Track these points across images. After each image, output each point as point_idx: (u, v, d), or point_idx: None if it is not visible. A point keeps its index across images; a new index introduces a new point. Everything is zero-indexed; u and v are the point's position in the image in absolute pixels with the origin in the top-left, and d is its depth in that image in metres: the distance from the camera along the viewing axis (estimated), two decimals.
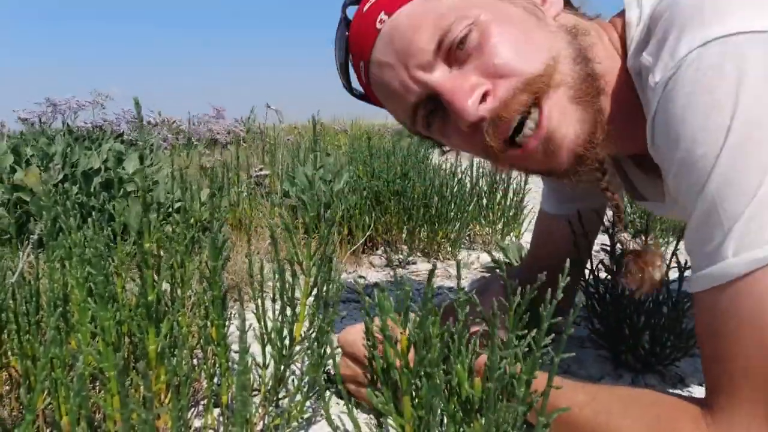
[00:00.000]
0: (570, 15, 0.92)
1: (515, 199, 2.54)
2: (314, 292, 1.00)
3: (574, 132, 0.83)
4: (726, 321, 0.68)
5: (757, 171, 0.63)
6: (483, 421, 0.67)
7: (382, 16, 0.88)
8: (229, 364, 0.93)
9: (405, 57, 0.86)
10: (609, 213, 1.26)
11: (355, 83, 1.02)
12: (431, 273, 0.72)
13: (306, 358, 0.95)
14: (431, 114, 0.90)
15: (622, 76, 0.88)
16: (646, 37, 0.79)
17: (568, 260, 0.67)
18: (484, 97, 0.82)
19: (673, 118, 0.70)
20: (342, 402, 1.06)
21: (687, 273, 1.16)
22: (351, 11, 0.96)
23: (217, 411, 0.96)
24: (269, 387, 0.96)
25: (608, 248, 1.24)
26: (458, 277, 0.74)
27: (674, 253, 1.24)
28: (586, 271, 1.27)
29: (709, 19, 0.68)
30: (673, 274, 1.19)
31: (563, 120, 0.83)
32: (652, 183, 0.98)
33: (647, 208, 1.09)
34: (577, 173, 0.88)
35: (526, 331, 0.68)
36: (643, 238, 1.27)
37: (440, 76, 0.85)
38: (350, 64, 0.99)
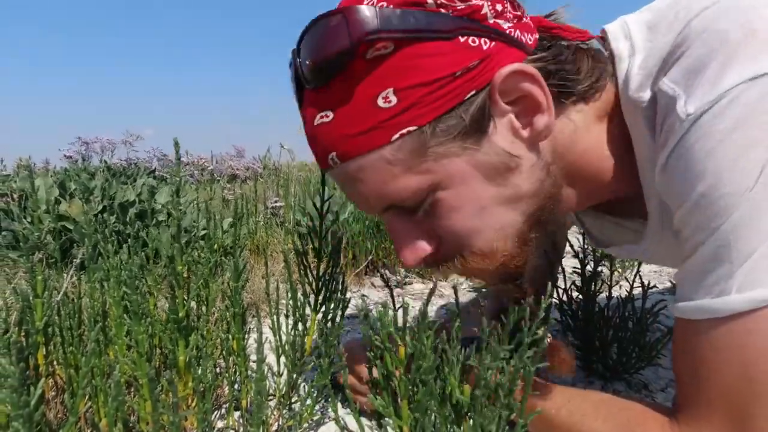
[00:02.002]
0: (556, 125, 0.73)
1: None
2: (322, 309, 1.01)
3: (492, 271, 0.80)
4: (714, 351, 0.63)
5: None
6: (471, 423, 0.67)
7: (334, 156, 0.71)
8: (248, 372, 0.93)
9: (358, 198, 0.76)
10: (579, 239, 1.26)
11: None
12: (431, 292, 0.73)
13: (316, 367, 0.95)
14: None
15: (614, 125, 0.78)
16: (661, 69, 0.68)
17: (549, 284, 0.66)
18: (425, 257, 0.78)
19: (700, 152, 0.60)
20: (347, 405, 1.05)
21: (652, 292, 1.16)
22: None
23: (237, 414, 0.96)
24: (283, 392, 0.96)
25: (579, 271, 1.24)
26: (457, 300, 0.74)
27: (637, 274, 1.24)
28: (560, 290, 1.27)
29: (760, 52, 0.59)
30: (637, 292, 1.19)
31: (479, 274, 0.82)
32: (621, 229, 0.93)
33: (612, 253, 1.01)
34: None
35: (510, 345, 0.68)
36: (610, 262, 1.28)
37: (391, 218, 0.77)
38: None
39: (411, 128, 0.66)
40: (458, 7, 0.65)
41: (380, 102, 0.65)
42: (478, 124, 0.68)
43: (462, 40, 0.65)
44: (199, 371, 0.82)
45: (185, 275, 0.92)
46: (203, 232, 2.15)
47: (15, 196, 2.74)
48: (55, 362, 0.87)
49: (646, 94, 0.70)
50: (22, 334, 0.83)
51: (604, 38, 0.78)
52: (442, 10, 0.64)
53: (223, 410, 1.01)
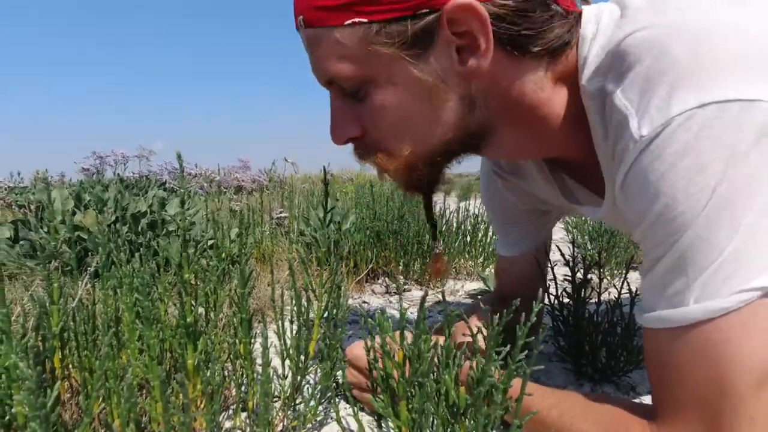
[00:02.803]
0: (500, 71, 0.74)
1: (494, 237, 2.54)
2: (325, 314, 1.01)
3: (404, 183, 0.87)
4: (678, 356, 0.65)
5: (728, 233, 0.59)
6: (467, 423, 0.67)
7: (301, 20, 0.74)
8: (254, 375, 0.93)
9: (312, 66, 0.78)
10: (570, 247, 1.27)
11: None
12: (423, 299, 0.73)
13: (319, 370, 0.95)
14: None
15: (569, 94, 0.78)
16: (609, 68, 0.70)
17: (540, 291, 0.67)
18: (350, 139, 0.82)
19: (655, 174, 0.62)
20: (349, 406, 1.05)
21: (639, 298, 1.16)
22: None
23: (244, 414, 0.96)
24: (288, 394, 0.96)
25: (570, 278, 1.25)
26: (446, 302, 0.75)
27: (625, 281, 1.24)
28: (552, 297, 1.27)
29: (707, 80, 0.60)
30: (625, 298, 1.20)
31: (393, 175, 0.85)
32: (585, 192, 0.95)
33: (581, 212, 1.02)
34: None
35: (504, 347, 0.68)
36: (599, 270, 1.28)
37: (332, 96, 0.81)
38: None
39: (362, 20, 0.69)
40: None
41: None
42: (421, 41, 0.70)
43: None
44: (208, 374, 0.82)
45: (194, 283, 0.92)
46: (212, 242, 2.16)
47: (32, 207, 2.75)
48: (70, 365, 0.87)
49: (593, 85, 0.72)
50: (39, 338, 0.83)
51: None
52: None
53: (231, 411, 1.01)
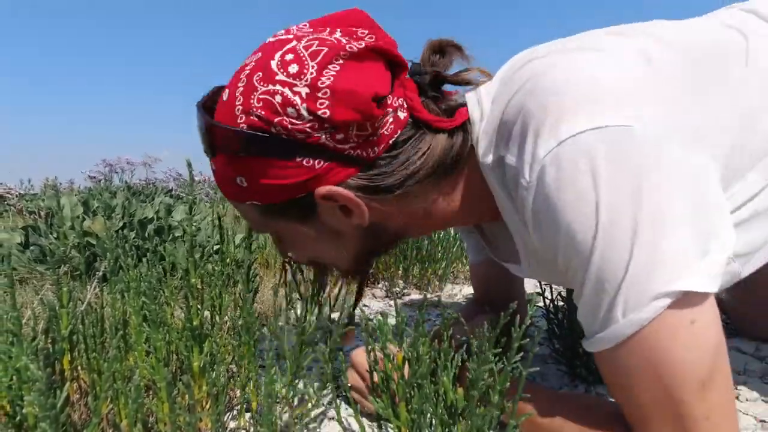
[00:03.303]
0: (391, 205, 0.81)
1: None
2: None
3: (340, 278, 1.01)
4: (628, 374, 0.67)
5: (626, 247, 0.62)
6: (465, 423, 0.67)
7: (220, 191, 0.92)
8: (258, 376, 0.93)
9: None
10: None
11: None
12: (422, 304, 0.73)
13: (320, 372, 0.95)
14: None
15: (468, 180, 0.84)
16: (499, 138, 0.75)
17: (523, 297, 0.68)
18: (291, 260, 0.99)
19: (549, 212, 0.66)
20: (350, 407, 1.05)
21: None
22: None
23: (248, 415, 0.96)
24: (290, 395, 0.96)
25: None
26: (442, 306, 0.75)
27: None
28: (547, 301, 1.27)
29: (557, 121, 0.65)
30: None
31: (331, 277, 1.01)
32: (506, 246, 0.97)
33: (512, 270, 1.03)
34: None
35: (500, 349, 0.69)
36: None
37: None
38: None
39: (256, 202, 0.80)
40: (298, 137, 0.71)
41: (237, 181, 0.77)
42: (307, 212, 0.80)
43: (298, 159, 0.73)
44: (213, 375, 0.82)
45: (199, 287, 0.92)
46: (216, 247, 2.16)
47: (42, 213, 2.75)
48: (79, 367, 0.87)
49: (489, 158, 0.78)
50: (49, 341, 0.83)
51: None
52: (284, 136, 0.72)
53: (235, 412, 1.01)
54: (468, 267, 2.45)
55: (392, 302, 2.01)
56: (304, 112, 0.69)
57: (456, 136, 0.80)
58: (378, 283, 2.23)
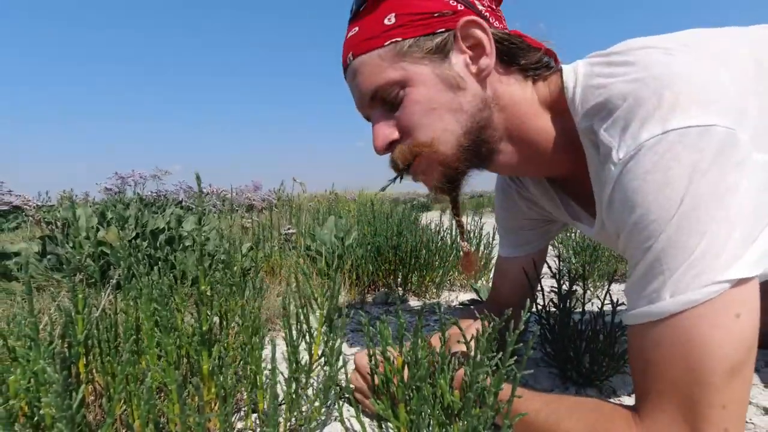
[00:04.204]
0: (500, 78, 0.92)
1: (485, 251, 2.54)
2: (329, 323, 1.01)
3: (432, 181, 0.95)
4: (657, 348, 0.69)
5: (696, 237, 0.64)
6: (461, 424, 0.67)
7: (350, 56, 0.92)
8: (264, 379, 0.93)
9: (356, 93, 0.94)
10: (556, 261, 1.27)
11: None
12: (421, 310, 0.73)
13: (322, 374, 0.95)
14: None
15: (556, 128, 0.91)
16: (595, 111, 0.78)
17: (528, 300, 0.68)
18: (391, 145, 0.93)
19: (631, 189, 0.69)
20: (351, 408, 1.05)
21: (620, 308, 1.16)
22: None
23: (254, 416, 0.96)
24: (294, 397, 0.95)
25: (556, 289, 1.25)
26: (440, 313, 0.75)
27: (607, 292, 1.24)
28: (539, 307, 1.27)
29: (669, 114, 0.67)
30: (607, 309, 1.20)
31: (424, 173, 0.95)
32: (581, 210, 1.04)
33: (579, 228, 1.09)
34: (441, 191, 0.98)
35: (494, 353, 0.69)
36: (583, 282, 1.28)
37: (374, 114, 0.94)
38: None
39: (398, 39, 0.87)
40: None
41: (386, 20, 0.88)
42: (443, 50, 0.87)
43: (443, 2, 0.88)
44: (221, 378, 0.82)
45: (208, 294, 0.92)
46: (224, 256, 2.16)
47: (59, 224, 2.75)
48: (94, 370, 0.87)
49: (583, 125, 0.82)
50: (65, 345, 0.83)
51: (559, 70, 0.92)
52: None
53: (243, 413, 1.01)
54: (463, 275, 2.45)
55: (392, 308, 2.01)
56: None
57: (540, 55, 0.93)
58: (378, 290, 2.23)
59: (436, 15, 0.87)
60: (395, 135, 0.92)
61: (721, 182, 0.65)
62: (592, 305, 1.74)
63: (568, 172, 0.96)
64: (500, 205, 1.35)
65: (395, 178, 1.01)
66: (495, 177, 1.35)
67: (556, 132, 0.91)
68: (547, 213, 1.22)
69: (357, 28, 0.91)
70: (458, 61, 0.88)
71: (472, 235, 2.62)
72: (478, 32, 0.88)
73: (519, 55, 0.92)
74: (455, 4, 0.88)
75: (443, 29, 0.87)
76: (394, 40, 0.87)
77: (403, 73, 0.87)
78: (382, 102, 0.91)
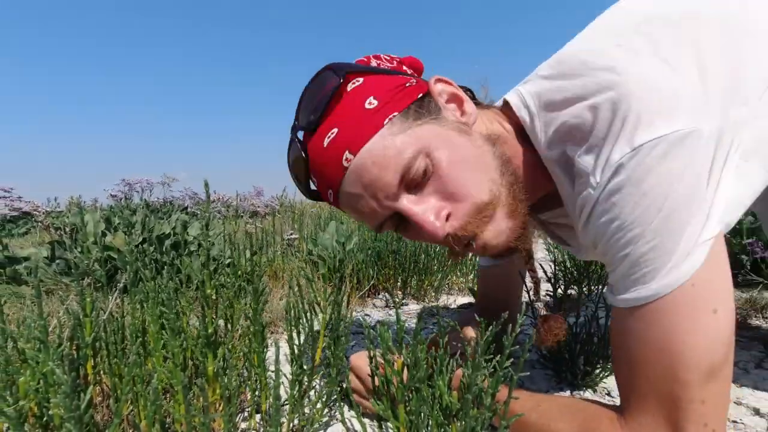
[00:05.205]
0: (479, 115, 0.88)
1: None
2: (330, 325, 1.01)
3: (506, 240, 0.84)
4: (639, 342, 0.71)
5: (676, 238, 0.67)
6: (459, 424, 0.67)
7: (347, 155, 0.78)
8: (267, 381, 0.93)
9: (373, 190, 0.79)
10: (551, 265, 1.27)
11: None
12: (420, 313, 0.73)
13: (325, 376, 0.95)
14: (399, 224, 0.85)
15: (526, 157, 0.89)
16: (563, 137, 0.79)
17: (522, 303, 0.69)
18: (447, 217, 0.80)
19: (610, 205, 0.70)
20: (352, 409, 1.05)
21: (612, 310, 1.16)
22: (301, 134, 0.87)
23: (258, 416, 0.96)
24: (296, 398, 0.95)
25: (551, 293, 1.25)
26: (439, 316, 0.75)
27: (601, 296, 1.24)
28: (536, 311, 1.27)
29: (633, 130, 0.68)
30: (602, 313, 1.20)
31: (497, 236, 0.83)
32: (566, 232, 1.02)
33: (568, 250, 1.06)
34: (510, 255, 0.92)
35: (492, 355, 0.69)
36: (578, 286, 1.28)
37: (407, 203, 0.80)
38: (311, 184, 0.90)
39: (394, 114, 0.79)
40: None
41: (366, 105, 0.79)
42: (432, 109, 0.82)
43: (401, 77, 0.85)
44: (226, 380, 0.82)
45: (213, 297, 0.93)
46: (229, 261, 2.16)
47: (67, 229, 2.75)
48: (101, 372, 0.87)
49: (553, 153, 0.82)
50: (74, 347, 0.83)
51: (505, 104, 0.92)
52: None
53: (246, 413, 1.01)
54: (461, 279, 2.45)
55: (392, 312, 2.01)
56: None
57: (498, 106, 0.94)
58: (378, 294, 2.23)
59: (407, 85, 0.83)
60: (445, 207, 0.80)
61: (696, 183, 0.68)
62: (587, 308, 1.74)
63: (542, 194, 0.93)
64: None
65: (457, 259, 0.94)
66: None
67: (531, 160, 0.89)
68: None
69: (336, 129, 0.80)
70: (449, 114, 0.84)
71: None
72: (448, 86, 0.87)
73: (473, 98, 0.94)
74: (408, 75, 0.87)
75: (420, 94, 0.83)
76: (390, 116, 0.78)
77: (422, 141, 0.78)
78: (409, 184, 0.79)
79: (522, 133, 0.88)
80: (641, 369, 0.70)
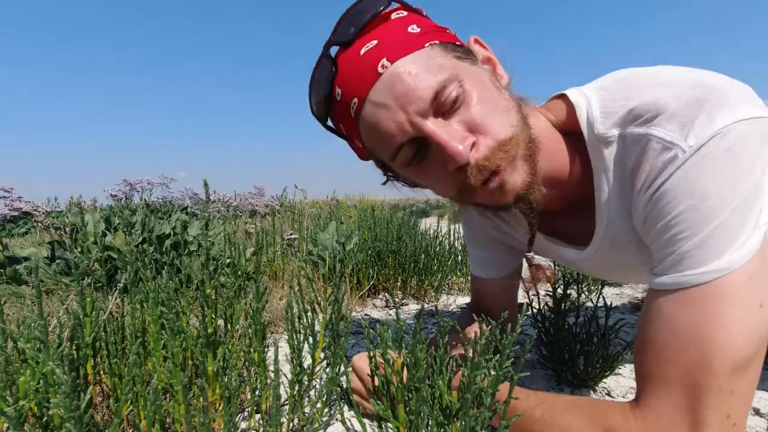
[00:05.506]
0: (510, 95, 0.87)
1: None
2: (330, 325, 1.01)
3: (521, 182, 0.82)
4: (674, 328, 0.69)
5: (752, 223, 0.67)
6: (459, 424, 0.67)
7: (384, 62, 0.78)
8: (267, 380, 0.93)
9: (404, 102, 0.78)
10: (551, 266, 1.27)
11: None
12: (419, 313, 0.73)
13: (324, 376, 0.95)
14: (416, 154, 0.83)
15: (552, 140, 0.89)
16: (629, 120, 0.79)
17: (520, 306, 0.69)
18: (471, 147, 0.79)
19: (699, 173, 0.69)
20: (352, 409, 1.05)
21: (613, 311, 1.16)
22: (333, 50, 0.86)
23: (258, 416, 0.96)
24: (296, 397, 0.95)
25: (551, 293, 1.25)
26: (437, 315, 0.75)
27: (600, 296, 1.24)
28: (535, 310, 1.27)
29: (729, 108, 0.69)
30: (601, 313, 1.20)
31: (514, 174, 0.82)
32: (572, 229, 1.00)
33: (557, 255, 1.06)
34: (516, 207, 0.88)
35: (492, 356, 0.69)
36: (577, 287, 1.28)
37: (433, 125, 0.78)
38: (333, 98, 0.87)
39: (435, 41, 0.81)
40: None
41: (410, 29, 0.81)
42: (471, 56, 0.84)
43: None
44: (226, 380, 0.82)
45: (213, 297, 0.92)
46: (228, 260, 2.16)
47: (67, 229, 2.75)
48: (101, 372, 0.87)
49: (610, 133, 0.81)
50: (74, 347, 0.83)
51: (561, 95, 0.93)
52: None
53: (246, 413, 1.01)
54: (461, 279, 2.45)
55: (392, 312, 2.01)
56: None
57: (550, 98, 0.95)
58: (378, 294, 2.23)
59: (447, 31, 0.85)
60: (470, 136, 0.79)
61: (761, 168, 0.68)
62: (586, 309, 1.74)
63: (563, 197, 0.93)
64: (464, 221, 1.32)
65: (463, 201, 0.89)
66: None
67: (569, 151, 0.90)
68: (509, 238, 1.20)
69: (376, 41, 0.80)
70: (482, 70, 0.84)
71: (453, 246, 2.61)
72: (484, 49, 0.89)
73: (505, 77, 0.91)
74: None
75: (458, 42, 0.84)
76: (431, 42, 0.80)
77: (458, 71, 0.79)
78: (439, 108, 0.79)
79: (557, 127, 0.91)
80: (671, 355, 0.69)
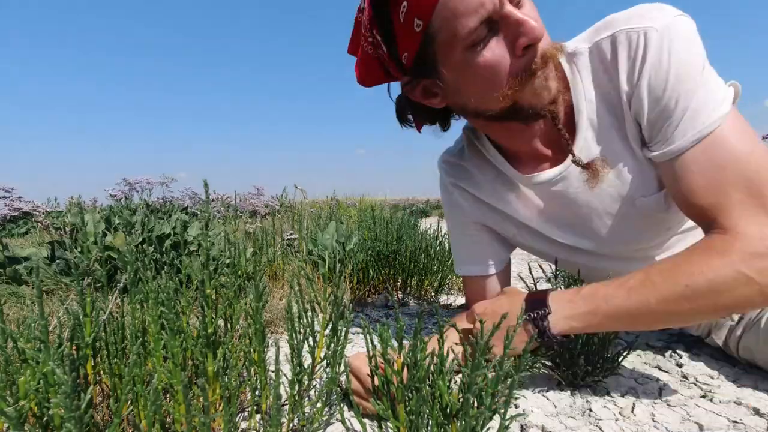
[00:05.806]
0: None
1: None
2: (330, 325, 1.01)
3: (555, 87, 0.96)
4: (714, 167, 0.87)
5: (712, 83, 0.89)
6: (459, 424, 0.67)
7: None
8: (267, 380, 0.93)
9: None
10: (551, 266, 1.27)
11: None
12: (420, 313, 0.73)
13: (324, 375, 0.95)
14: (485, 37, 0.87)
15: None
16: (605, 26, 0.98)
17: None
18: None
19: (676, 44, 0.89)
20: (352, 409, 1.05)
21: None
22: None
23: (258, 416, 0.96)
24: (296, 397, 0.95)
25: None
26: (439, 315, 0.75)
27: None
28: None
29: (666, 9, 0.91)
30: None
31: (553, 79, 0.95)
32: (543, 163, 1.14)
33: (537, 180, 1.15)
34: (546, 110, 0.99)
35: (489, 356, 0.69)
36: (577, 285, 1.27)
37: (511, 8, 0.86)
38: None
39: None
40: None
41: (415, 25, 0.88)
42: None
43: None
44: (226, 380, 0.82)
45: (213, 297, 0.92)
46: (228, 260, 2.16)
47: (67, 229, 2.75)
48: (101, 372, 0.87)
49: (582, 47, 1.01)
50: (74, 347, 0.83)
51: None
52: None
53: (246, 413, 1.01)
54: (461, 279, 2.45)
55: (392, 311, 2.01)
56: None
57: None
58: (378, 294, 2.23)
59: None
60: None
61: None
62: None
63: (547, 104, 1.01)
64: (447, 212, 1.37)
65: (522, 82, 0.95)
66: None
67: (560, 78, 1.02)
68: (491, 213, 1.26)
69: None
70: None
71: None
72: None
73: None
74: None
75: None
76: None
77: None
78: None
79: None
80: (729, 185, 0.86)
